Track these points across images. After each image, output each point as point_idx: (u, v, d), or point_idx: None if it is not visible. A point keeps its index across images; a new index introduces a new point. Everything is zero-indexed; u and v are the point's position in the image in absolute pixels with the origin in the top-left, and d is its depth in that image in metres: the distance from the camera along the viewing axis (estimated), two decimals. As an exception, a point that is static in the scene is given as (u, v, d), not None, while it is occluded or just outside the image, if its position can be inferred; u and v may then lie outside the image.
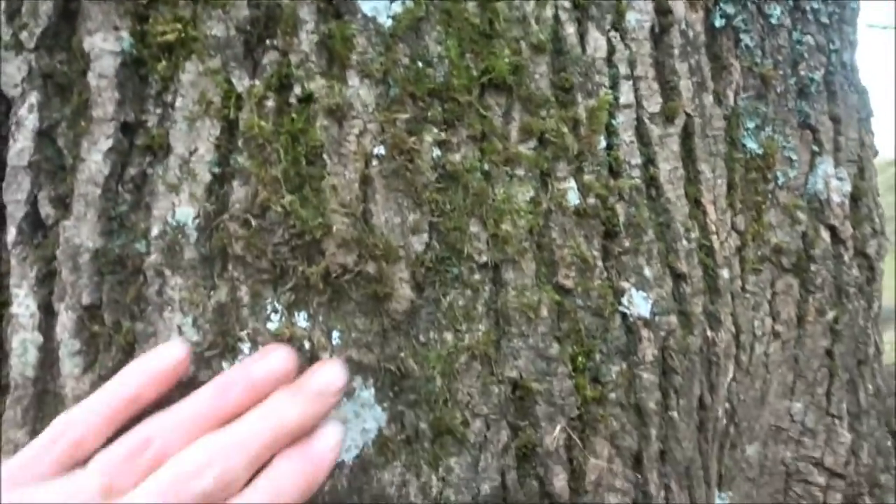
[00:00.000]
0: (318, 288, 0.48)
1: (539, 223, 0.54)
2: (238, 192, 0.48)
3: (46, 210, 0.49)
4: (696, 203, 0.61)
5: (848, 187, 0.71)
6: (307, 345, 0.48)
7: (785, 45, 0.67)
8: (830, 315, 0.67)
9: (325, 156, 0.49)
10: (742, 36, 0.65)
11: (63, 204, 0.49)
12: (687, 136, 0.61)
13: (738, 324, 0.61)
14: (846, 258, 0.70)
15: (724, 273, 0.61)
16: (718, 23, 0.63)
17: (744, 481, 0.66)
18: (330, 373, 0.45)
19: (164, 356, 0.44)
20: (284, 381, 0.44)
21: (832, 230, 0.69)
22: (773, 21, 0.67)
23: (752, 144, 0.65)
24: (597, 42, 0.58)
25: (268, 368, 0.44)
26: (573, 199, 0.55)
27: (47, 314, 0.49)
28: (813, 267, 0.67)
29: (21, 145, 0.48)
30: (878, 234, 0.74)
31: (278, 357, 0.44)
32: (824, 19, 0.70)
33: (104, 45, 0.50)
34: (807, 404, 0.66)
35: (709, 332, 0.58)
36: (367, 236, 0.49)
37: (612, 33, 0.59)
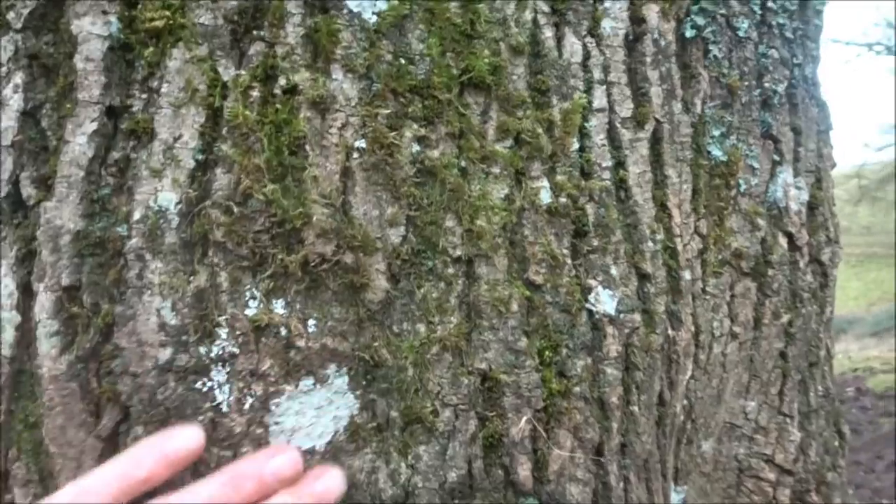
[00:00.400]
0: (296, 276, 0.49)
1: (512, 220, 0.56)
2: (221, 180, 0.49)
3: (28, 190, 0.49)
4: (662, 206, 0.63)
5: (806, 196, 0.74)
6: (283, 331, 0.49)
7: (751, 58, 0.70)
8: (785, 318, 0.70)
9: (307, 147, 0.51)
10: (711, 47, 0.67)
11: (45, 185, 0.49)
12: (656, 141, 0.63)
13: (697, 324, 0.64)
14: (802, 264, 0.73)
15: (687, 275, 0.63)
16: (689, 33, 0.66)
17: (699, 476, 0.69)
18: (331, 480, 0.47)
19: (181, 441, 0.45)
20: (290, 482, 0.46)
21: (789, 237, 0.72)
22: (741, 34, 0.69)
23: (717, 152, 0.67)
24: (573, 47, 0.60)
25: (277, 468, 0.46)
26: (545, 197, 0.57)
27: (26, 294, 0.49)
28: (770, 272, 0.70)
29: (5, 125, 0.49)
30: (832, 242, 0.78)
31: (288, 459, 0.46)
32: (789, 34, 0.73)
33: (92, 28, 0.50)
34: (760, 403, 0.69)
35: (670, 331, 0.61)
36: (345, 227, 0.50)
37: (588, 39, 0.61)
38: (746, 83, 0.70)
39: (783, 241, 0.72)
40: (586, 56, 0.61)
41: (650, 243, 0.61)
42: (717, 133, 0.68)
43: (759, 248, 0.70)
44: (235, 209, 0.49)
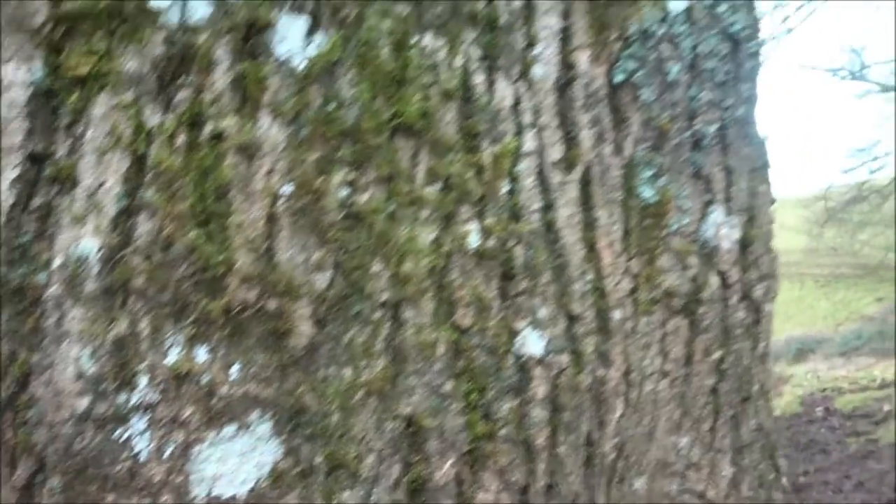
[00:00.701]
0: (219, 323, 0.49)
1: (440, 264, 0.57)
2: (143, 226, 0.49)
3: (-54, 237, 0.49)
4: (592, 247, 0.64)
5: (737, 234, 0.76)
6: (205, 378, 0.49)
7: (681, 101, 0.72)
8: (717, 355, 0.71)
9: (232, 193, 0.51)
10: (641, 91, 0.69)
11: (-37, 232, 0.49)
12: (586, 183, 0.64)
13: (628, 362, 0.65)
14: (733, 301, 0.74)
15: (617, 314, 0.64)
16: (619, 78, 0.67)
17: (635, 511, 0.70)
18: None
19: None
20: None
21: (721, 275, 0.74)
22: (671, 78, 0.71)
23: (648, 192, 0.69)
24: (504, 91, 0.62)
25: None
26: (474, 240, 0.58)
27: (-58, 341, 0.49)
28: (701, 309, 0.72)
29: (-78, 172, 0.48)
30: (766, 278, 0.80)
31: None
32: (720, 78, 0.75)
33: (17, 74, 0.50)
34: (692, 439, 0.70)
35: (599, 371, 0.62)
36: (269, 273, 0.51)
37: (520, 84, 0.62)
38: (677, 125, 0.72)
39: (715, 279, 0.74)
40: (517, 101, 0.62)
41: (579, 284, 0.62)
42: (647, 174, 0.69)
43: (690, 286, 0.72)
44: (157, 256, 0.49)
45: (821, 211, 15.11)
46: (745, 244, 0.77)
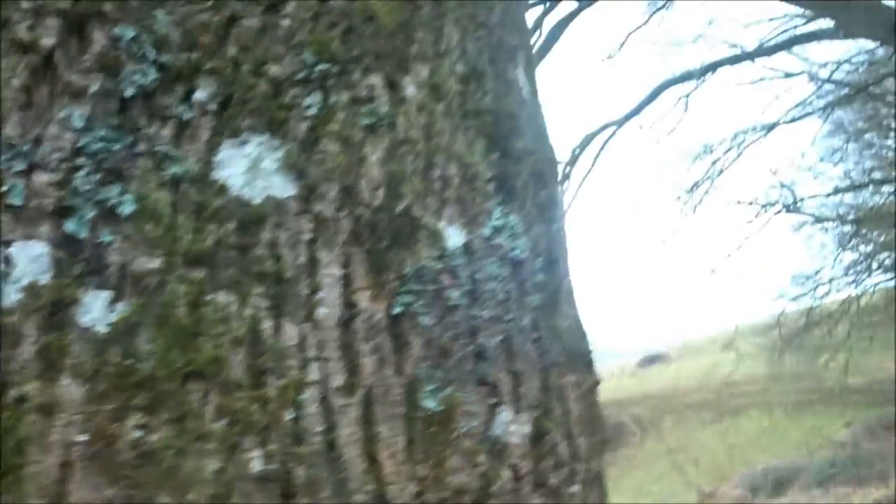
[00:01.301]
0: (7, 564, 0.58)
1: (222, 491, 0.66)
2: (-52, 483, 0.59)
3: None
4: (374, 460, 0.75)
5: (527, 430, 0.87)
6: None
7: (462, 321, 0.85)
8: (503, 545, 0.80)
9: (30, 447, 0.61)
10: (421, 318, 0.82)
11: None
12: (368, 403, 0.76)
13: (411, 562, 0.74)
14: (526, 490, 0.85)
15: (398, 518, 0.74)
16: (398, 310, 0.81)
17: None
18: None
19: None
20: None
21: (512, 468, 0.84)
22: (452, 303, 0.85)
23: (431, 404, 0.81)
24: (290, 333, 0.74)
25: None
26: (257, 465, 0.68)
27: None
28: (491, 500, 0.81)
29: None
30: (566, 463, 0.90)
31: None
32: (501, 297, 0.89)
33: None
34: None
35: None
36: (58, 515, 0.60)
37: (305, 325, 0.75)
38: (459, 342, 0.85)
39: (506, 472, 0.84)
40: (302, 339, 0.74)
41: (360, 495, 0.72)
42: (430, 388, 0.81)
43: (480, 481, 0.82)
44: (-43, 509, 0.58)
45: (776, 338, 15.48)
46: (537, 436, 0.88)
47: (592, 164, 10.03)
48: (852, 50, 11.48)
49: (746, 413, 17.05)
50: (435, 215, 0.86)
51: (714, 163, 11.98)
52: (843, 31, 7.71)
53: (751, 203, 13.46)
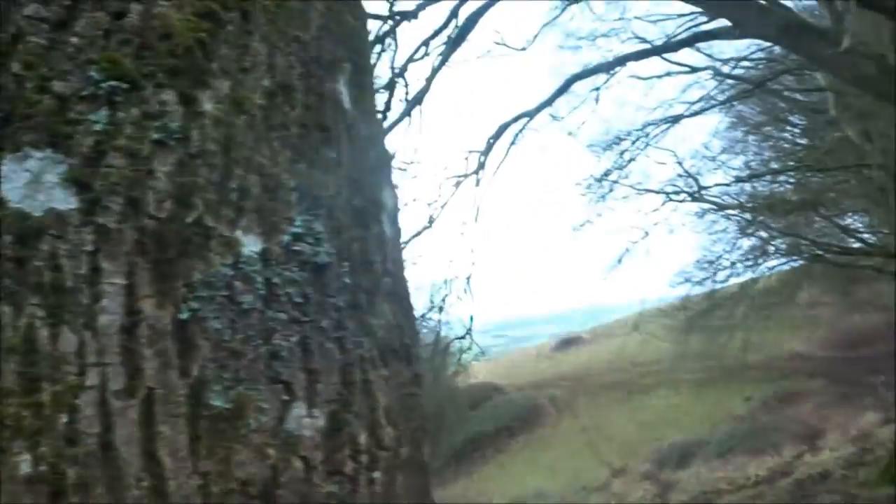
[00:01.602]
0: None
1: (-12, 494, 0.70)
2: None
3: None
4: (153, 457, 0.79)
5: (321, 423, 0.93)
6: None
7: (257, 324, 0.91)
8: (287, 532, 0.86)
9: None
10: (210, 322, 0.87)
11: None
12: (149, 404, 0.80)
13: (187, 551, 0.79)
14: (317, 479, 0.91)
15: (179, 511, 0.79)
16: (185, 315, 0.85)
17: None
18: None
19: None
20: None
21: (303, 458, 0.90)
22: (246, 307, 0.90)
23: (219, 402, 0.86)
24: (69, 340, 0.78)
25: None
26: (25, 468, 0.72)
27: None
28: (280, 490, 0.87)
29: None
30: (363, 452, 0.97)
31: None
32: (298, 300, 0.95)
33: None
34: None
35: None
36: None
37: (84, 332, 0.79)
38: (252, 344, 0.90)
39: (298, 462, 0.90)
40: (81, 345, 0.78)
41: (135, 490, 0.77)
42: (218, 387, 0.86)
43: (268, 473, 0.88)
44: None
45: (681, 319, 16.21)
46: (334, 429, 0.95)
47: (506, 154, 10.20)
48: (752, 47, 12.04)
49: (655, 391, 17.80)
50: (230, 224, 0.91)
51: (622, 153, 12.38)
52: (739, 30, 8.07)
53: (657, 192, 13.97)
